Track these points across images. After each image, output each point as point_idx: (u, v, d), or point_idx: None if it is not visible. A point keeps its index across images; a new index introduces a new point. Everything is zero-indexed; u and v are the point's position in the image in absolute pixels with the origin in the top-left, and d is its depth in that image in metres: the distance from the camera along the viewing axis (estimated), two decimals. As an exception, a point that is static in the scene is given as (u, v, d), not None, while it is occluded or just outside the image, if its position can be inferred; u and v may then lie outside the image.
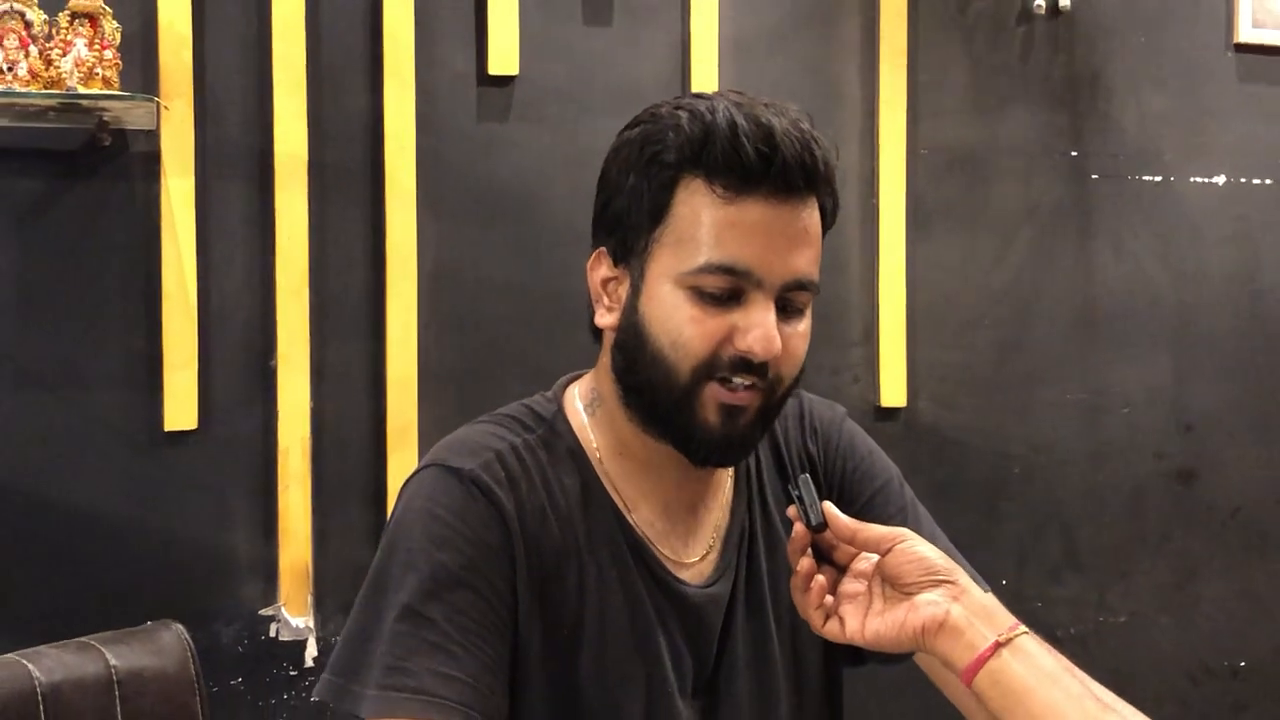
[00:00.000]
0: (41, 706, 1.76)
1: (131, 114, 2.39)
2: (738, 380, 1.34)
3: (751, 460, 1.53)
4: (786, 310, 1.36)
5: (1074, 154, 3.01)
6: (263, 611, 2.54)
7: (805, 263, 1.36)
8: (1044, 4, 2.93)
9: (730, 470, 1.51)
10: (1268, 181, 3.10)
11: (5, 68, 2.27)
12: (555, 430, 1.47)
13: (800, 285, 1.36)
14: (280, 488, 2.54)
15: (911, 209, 2.90)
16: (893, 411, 2.90)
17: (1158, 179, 3.05)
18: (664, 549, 1.46)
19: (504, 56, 2.64)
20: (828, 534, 1.37)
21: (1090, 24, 2.99)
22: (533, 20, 2.67)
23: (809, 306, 1.39)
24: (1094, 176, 3.02)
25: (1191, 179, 3.07)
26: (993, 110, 2.97)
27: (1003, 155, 2.98)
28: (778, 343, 1.33)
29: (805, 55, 2.84)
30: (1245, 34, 3.07)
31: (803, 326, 1.38)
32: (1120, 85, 3.03)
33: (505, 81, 2.67)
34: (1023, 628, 1.33)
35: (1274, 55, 3.10)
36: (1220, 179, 3.08)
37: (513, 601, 1.38)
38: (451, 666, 1.33)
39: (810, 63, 2.85)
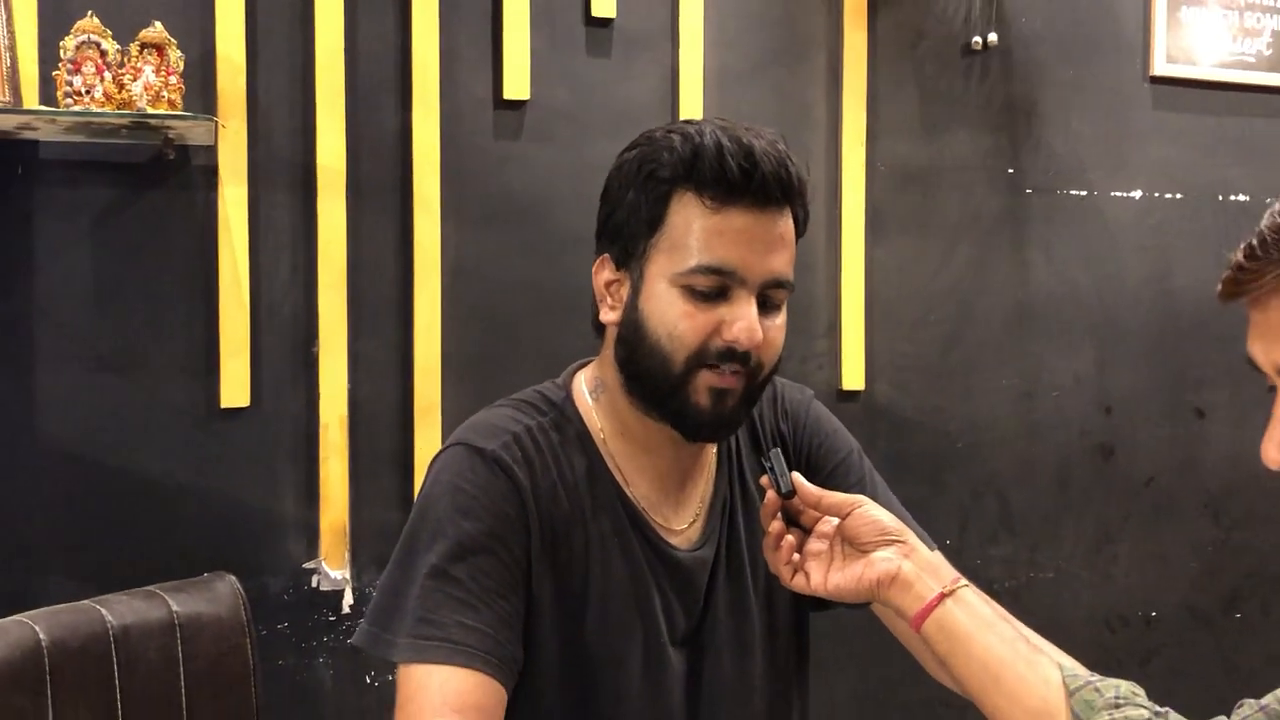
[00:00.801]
0: (113, 646, 1.77)
1: (193, 132, 2.39)
2: (725, 367, 1.35)
3: (732, 439, 1.54)
4: (766, 306, 1.38)
5: (1010, 171, 3.01)
6: (305, 565, 2.54)
7: (782, 264, 1.37)
8: (983, 40, 2.94)
9: (714, 448, 1.52)
10: (1178, 196, 3.11)
11: (84, 90, 2.27)
12: (565, 415, 1.48)
13: (778, 283, 1.37)
14: (321, 458, 2.54)
15: (870, 218, 2.90)
16: (853, 394, 2.90)
17: (1083, 193, 3.06)
18: (657, 518, 1.47)
19: (517, 83, 2.64)
20: (796, 500, 1.39)
21: (1024, 58, 3.00)
22: (542, 52, 2.67)
23: (785, 303, 1.41)
24: (1027, 191, 3.03)
25: (1112, 193, 3.08)
26: (940, 132, 2.97)
27: (948, 171, 2.98)
28: (759, 333, 1.35)
29: (779, 85, 2.85)
30: (1160, 68, 3.08)
31: (780, 320, 1.40)
32: (1050, 111, 3.04)
33: (518, 105, 2.67)
34: (964, 581, 1.34)
35: (1184, 86, 3.11)
36: (1137, 194, 3.09)
37: (527, 564, 1.39)
38: (474, 619, 1.34)
39: (783, 91, 2.85)
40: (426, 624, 1.34)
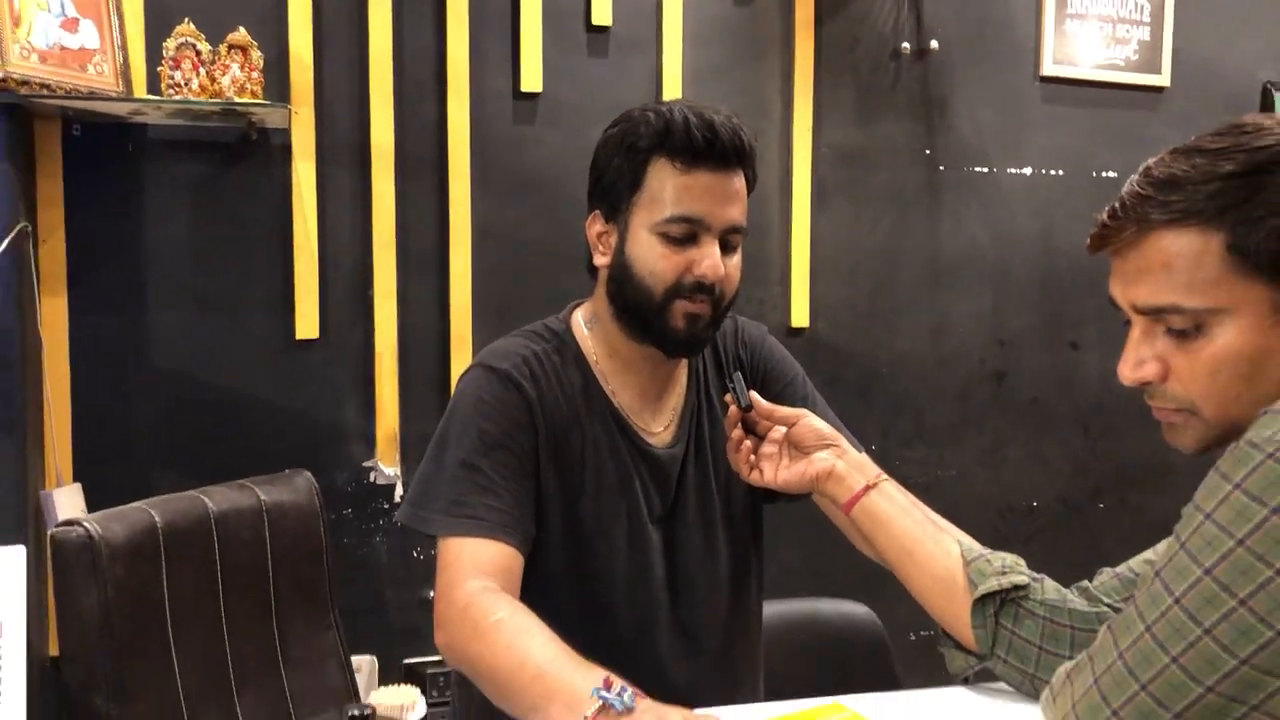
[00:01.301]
0: (214, 527, 1.78)
1: (271, 117, 2.38)
2: (696, 297, 1.36)
3: (699, 362, 1.54)
4: (726, 248, 1.39)
5: (927, 152, 3.00)
6: (365, 464, 2.55)
7: (738, 213, 1.38)
8: (909, 46, 2.92)
9: (686, 369, 1.53)
10: (1061, 173, 3.10)
11: (183, 83, 2.25)
12: (564, 341, 1.48)
13: (735, 229, 1.38)
14: (376, 380, 2.55)
15: (815, 190, 2.89)
16: (799, 330, 2.91)
17: (985, 170, 3.05)
18: (639, 423, 1.48)
19: (532, 79, 2.62)
20: (752, 413, 1.40)
21: (941, 61, 2.98)
22: (551, 54, 2.64)
23: (740, 246, 1.41)
24: (941, 168, 3.01)
25: (1008, 171, 3.07)
26: (872, 121, 2.95)
27: (878, 152, 2.96)
28: (721, 269, 1.36)
29: (742, 81, 2.82)
30: (1048, 69, 3.06)
31: (737, 259, 1.41)
32: (960, 104, 3.02)
33: (533, 97, 2.65)
34: (885, 476, 1.36)
35: (1068, 84, 3.09)
36: (1028, 171, 3.09)
37: (536, 460, 1.40)
38: (495, 501, 1.35)
39: (745, 86, 2.83)
40: (458, 505, 1.35)
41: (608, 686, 1.09)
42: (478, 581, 1.29)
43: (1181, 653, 0.83)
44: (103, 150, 2.36)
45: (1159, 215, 0.94)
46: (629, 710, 1.07)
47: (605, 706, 1.08)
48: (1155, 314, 0.96)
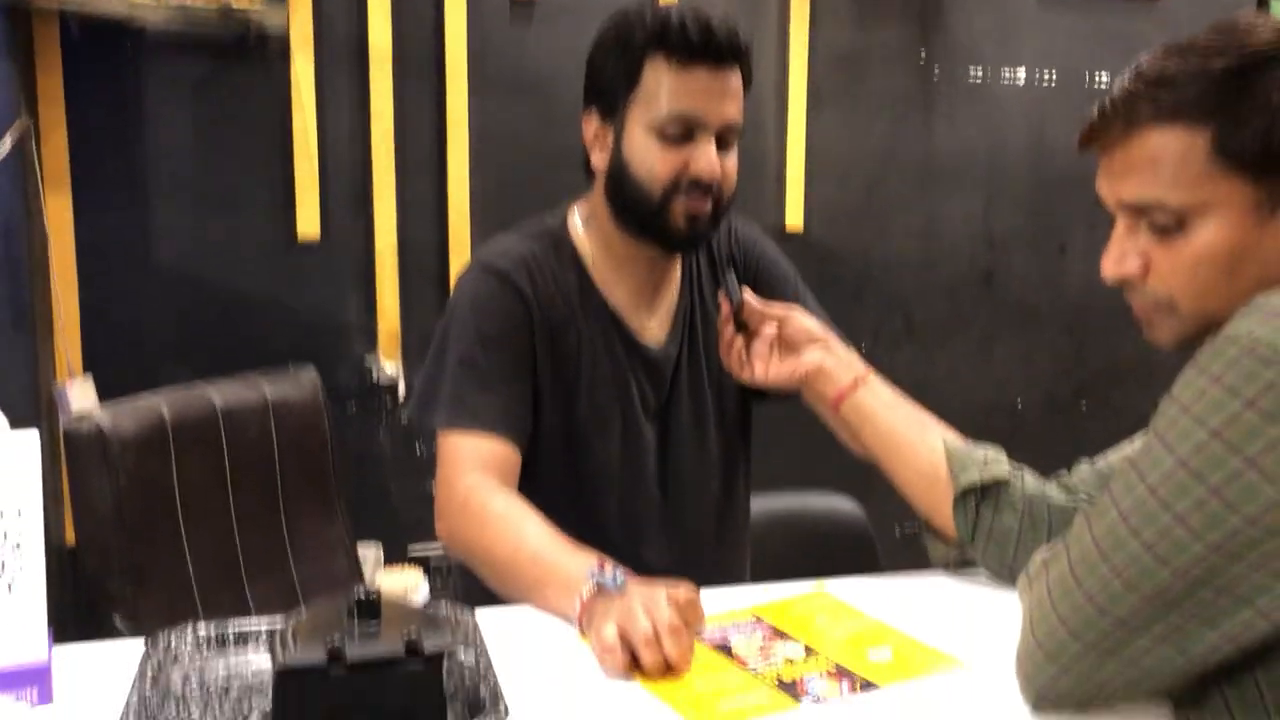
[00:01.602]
0: (221, 421, 1.79)
1: (269, 18, 2.34)
2: (695, 194, 1.36)
3: (693, 262, 1.54)
4: (722, 145, 1.37)
5: (922, 55, 2.96)
6: (367, 361, 2.57)
7: (734, 110, 1.37)
8: (906, -53, 2.86)
9: (680, 269, 1.53)
10: (1055, 77, 3.06)
11: (180, -18, 2.21)
12: (560, 240, 1.48)
13: (730, 127, 1.37)
14: (377, 279, 2.55)
15: (810, 92, 2.85)
16: (794, 232, 2.89)
17: (979, 74, 3.01)
18: (633, 322, 1.48)
19: (529, -21, 2.58)
20: (745, 311, 1.40)
21: (938, -38, 2.93)
22: (549, -46, 2.60)
23: (736, 144, 1.40)
24: (936, 71, 2.97)
25: (1002, 74, 3.03)
26: (867, 24, 2.90)
27: (874, 56, 2.92)
28: (718, 167, 1.35)
29: (739, -18, 2.78)
30: (1045, -29, 3.01)
31: (733, 156, 1.40)
32: (956, 8, 2.96)
33: (529, 2, 2.60)
34: (872, 373, 1.36)
35: (1064, -13, 3.05)
36: (1021, 74, 3.05)
37: (532, 357, 1.41)
38: (493, 397, 1.37)
39: (742, -13, 2.79)
40: (458, 401, 1.37)
41: (601, 569, 1.12)
42: (476, 475, 1.32)
43: (1151, 538, 0.85)
44: (102, 50, 2.33)
45: (1148, 112, 0.93)
46: (621, 590, 1.10)
47: (599, 587, 1.11)
48: (1139, 210, 0.96)
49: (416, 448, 2.61)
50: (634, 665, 1.03)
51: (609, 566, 1.13)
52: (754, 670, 1.04)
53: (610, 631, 1.04)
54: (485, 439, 1.35)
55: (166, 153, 2.40)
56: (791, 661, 1.06)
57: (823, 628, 1.15)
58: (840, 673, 1.04)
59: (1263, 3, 3.16)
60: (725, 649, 1.09)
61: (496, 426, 1.36)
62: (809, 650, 1.09)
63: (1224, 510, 0.82)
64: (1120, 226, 0.99)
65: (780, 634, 1.13)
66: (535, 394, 1.42)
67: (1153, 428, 0.88)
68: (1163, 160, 0.93)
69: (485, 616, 1.12)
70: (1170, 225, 0.94)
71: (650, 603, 1.05)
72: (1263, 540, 0.81)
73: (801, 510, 2.17)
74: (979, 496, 1.21)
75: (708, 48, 1.33)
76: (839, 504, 2.16)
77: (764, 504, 2.04)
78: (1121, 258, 0.98)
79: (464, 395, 1.37)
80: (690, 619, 1.08)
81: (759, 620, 1.17)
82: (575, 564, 1.16)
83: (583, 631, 1.11)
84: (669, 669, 1.03)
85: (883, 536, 2.12)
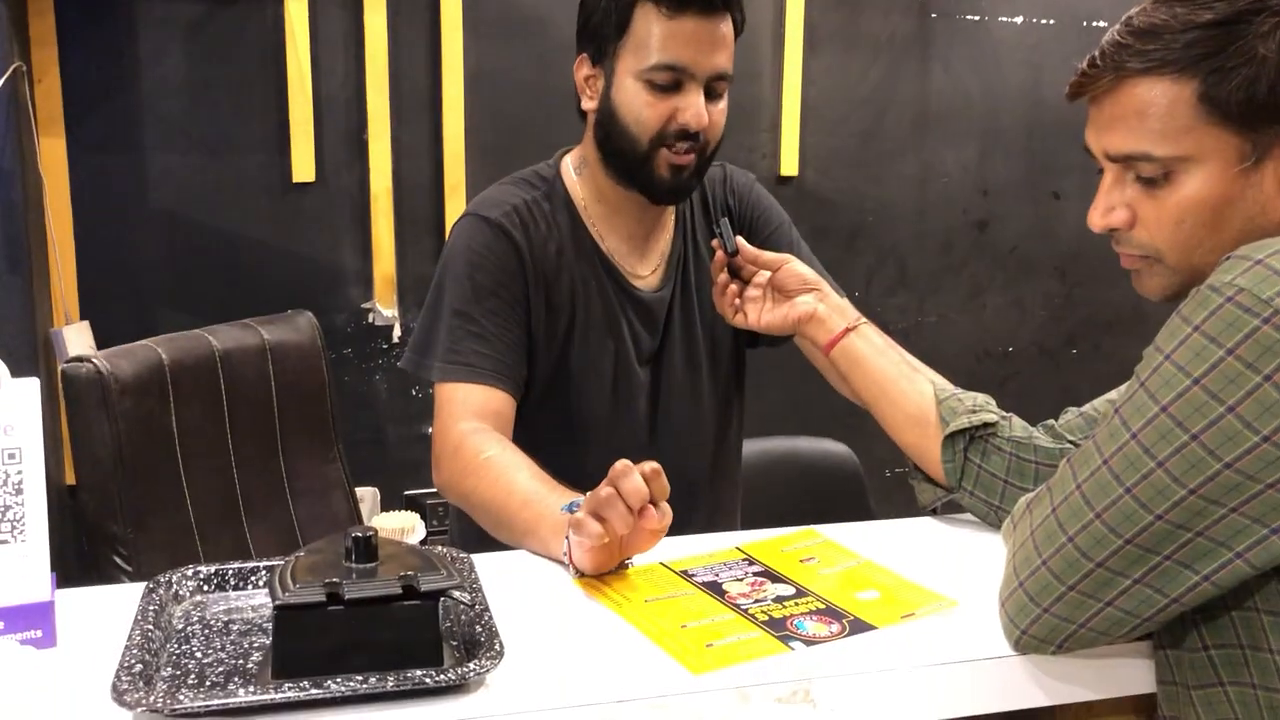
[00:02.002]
0: (219, 364, 1.79)
1: (262, -43, 2.31)
2: (680, 145, 1.36)
3: (687, 208, 1.54)
4: (711, 94, 1.37)
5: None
6: (363, 305, 2.57)
7: (724, 60, 1.36)
8: (905, -111, 2.82)
9: (673, 215, 1.53)
10: (1051, 22, 3.04)
11: (171, -79, 2.18)
12: (554, 188, 1.48)
13: (720, 76, 1.37)
14: (373, 222, 2.55)
15: (807, 35, 2.83)
16: (789, 179, 2.89)
17: (976, 18, 2.99)
18: (627, 267, 1.49)
19: (524, -80, 2.55)
20: (738, 258, 1.41)
21: (937, -96, 2.89)
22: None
23: (726, 92, 1.40)
24: (932, 15, 2.95)
25: (1000, 19, 3.01)
26: (865, -34, 2.88)
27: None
28: (705, 118, 1.35)
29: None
30: (1044, -86, 2.97)
31: (722, 105, 1.40)
32: (955, -50, 2.94)
33: (525, -61, 2.58)
34: (864, 320, 1.37)
35: (1063, -70, 3.01)
36: (1019, 19, 3.02)
37: (526, 305, 1.42)
38: (487, 348, 1.38)
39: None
40: (453, 352, 1.38)
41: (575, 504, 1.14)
42: (470, 423, 1.34)
43: (1135, 483, 0.86)
44: (93, -10, 2.30)
45: (1135, 64, 0.94)
46: None
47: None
48: (1126, 161, 0.97)
49: (413, 391, 2.62)
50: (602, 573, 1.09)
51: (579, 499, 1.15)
52: (744, 610, 1.06)
53: (581, 514, 1.07)
54: (480, 389, 1.37)
55: (160, 95, 2.38)
56: (782, 601, 1.08)
57: (812, 567, 1.17)
58: (830, 612, 1.06)
59: (1263, -53, 3.13)
60: (716, 588, 1.11)
61: (489, 378, 1.37)
62: (799, 590, 1.11)
63: (1206, 456, 0.83)
64: (1108, 178, 1.00)
65: (770, 574, 1.15)
66: (530, 342, 1.43)
67: (1137, 376, 0.90)
68: (1150, 112, 0.94)
69: (481, 560, 1.14)
70: (1157, 177, 0.96)
71: (608, 476, 1.08)
72: (1243, 485, 0.82)
73: (795, 453, 2.20)
74: (967, 441, 1.23)
75: None
76: (830, 447, 2.18)
77: (756, 447, 2.06)
78: (1109, 209, 1.00)
79: (458, 346, 1.38)
80: (656, 491, 1.09)
81: (749, 559, 1.19)
82: (563, 505, 1.17)
83: (575, 569, 1.13)
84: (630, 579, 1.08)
85: (873, 479, 2.14)
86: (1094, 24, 3.06)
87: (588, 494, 1.09)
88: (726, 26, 1.36)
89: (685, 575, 1.14)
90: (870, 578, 1.14)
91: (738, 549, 1.22)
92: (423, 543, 2.43)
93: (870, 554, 1.20)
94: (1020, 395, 3.19)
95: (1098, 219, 1.01)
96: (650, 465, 1.09)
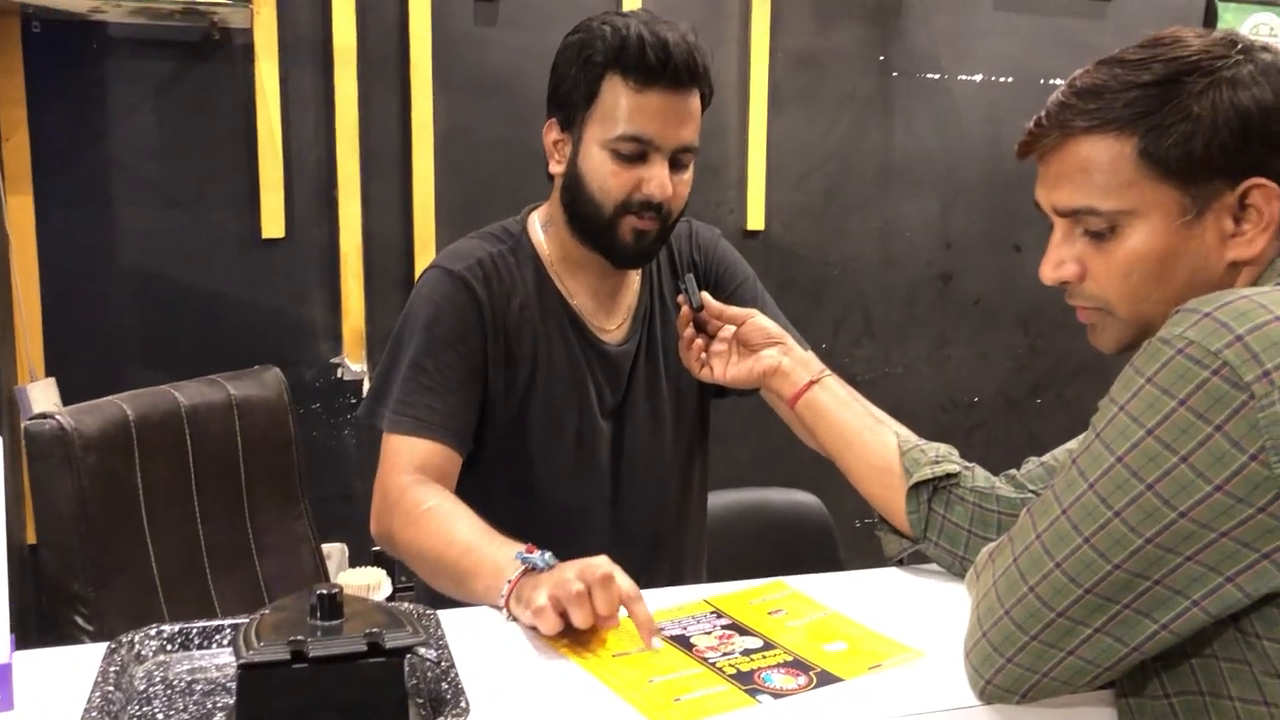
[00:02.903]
0: (185, 421, 1.78)
1: (233, 17, 2.33)
2: (644, 214, 1.37)
3: (653, 264, 1.56)
4: (676, 165, 1.39)
5: (881, 58, 2.99)
6: (332, 360, 2.56)
7: (689, 133, 1.38)
8: (865, -48, 2.88)
9: (639, 270, 1.55)
10: (1010, 80, 3.10)
11: (142, -19, 2.19)
12: (520, 242, 1.49)
13: (685, 149, 1.39)
14: (342, 278, 2.54)
15: (771, 94, 2.87)
16: (755, 233, 2.91)
17: (937, 76, 3.04)
18: (593, 321, 1.50)
19: (493, -19, 2.58)
20: (703, 313, 1.42)
21: (896, -33, 2.95)
22: (513, -45, 2.60)
23: (691, 164, 1.42)
24: (894, 74, 3.00)
25: (959, 77, 3.06)
26: (827, 26, 2.92)
27: (833, 58, 2.94)
28: (669, 189, 1.37)
29: (701, -16, 2.79)
30: (1000, -24, 3.05)
31: (687, 176, 1.41)
32: (914, 10, 2.99)
33: (494, 1, 2.60)
34: (828, 372, 1.38)
35: (1019, -9, 3.08)
36: (978, 78, 3.08)
37: (484, 359, 1.42)
38: (438, 401, 1.39)
39: (704, -10, 2.80)
40: (403, 404, 1.39)
41: (529, 551, 1.14)
42: (411, 476, 1.35)
43: (1093, 533, 0.87)
44: (64, 48, 2.31)
45: (1079, 122, 0.98)
46: (551, 568, 1.12)
47: (528, 569, 1.12)
48: (1073, 216, 1.01)
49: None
50: (566, 630, 1.07)
51: (538, 551, 1.15)
52: (712, 663, 1.06)
53: (541, 596, 1.06)
54: (425, 443, 1.37)
55: (130, 151, 2.38)
56: (750, 654, 1.08)
57: (780, 619, 1.17)
58: (798, 664, 1.05)
59: (1210, 12, 3.21)
60: (684, 642, 1.11)
61: (437, 432, 1.38)
62: (767, 643, 1.10)
63: (1161, 505, 0.84)
64: (1057, 232, 1.03)
65: (738, 626, 1.15)
66: (486, 395, 1.44)
67: (1093, 427, 0.91)
68: (1093, 168, 0.97)
69: (448, 616, 1.13)
70: (1103, 230, 0.99)
71: (580, 566, 1.07)
72: (1198, 534, 0.84)
73: (764, 504, 2.19)
74: (931, 492, 1.23)
75: (664, 71, 1.33)
76: (801, 498, 2.18)
77: (726, 499, 2.06)
78: (1059, 263, 1.03)
79: (410, 398, 1.39)
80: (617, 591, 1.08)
81: (717, 612, 1.19)
82: (504, 554, 1.17)
83: (510, 613, 1.13)
84: (598, 629, 1.07)
85: (842, 530, 2.14)
86: (1051, 82, 3.13)
87: (556, 580, 1.08)
88: (694, 101, 1.38)
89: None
90: (838, 629, 1.14)
91: (706, 601, 1.22)
92: (389, 599, 2.41)
93: (838, 605, 1.20)
94: (986, 445, 3.21)
95: (1049, 272, 1.03)
96: (629, 587, 1.08)
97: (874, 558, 1.36)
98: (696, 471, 1.61)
